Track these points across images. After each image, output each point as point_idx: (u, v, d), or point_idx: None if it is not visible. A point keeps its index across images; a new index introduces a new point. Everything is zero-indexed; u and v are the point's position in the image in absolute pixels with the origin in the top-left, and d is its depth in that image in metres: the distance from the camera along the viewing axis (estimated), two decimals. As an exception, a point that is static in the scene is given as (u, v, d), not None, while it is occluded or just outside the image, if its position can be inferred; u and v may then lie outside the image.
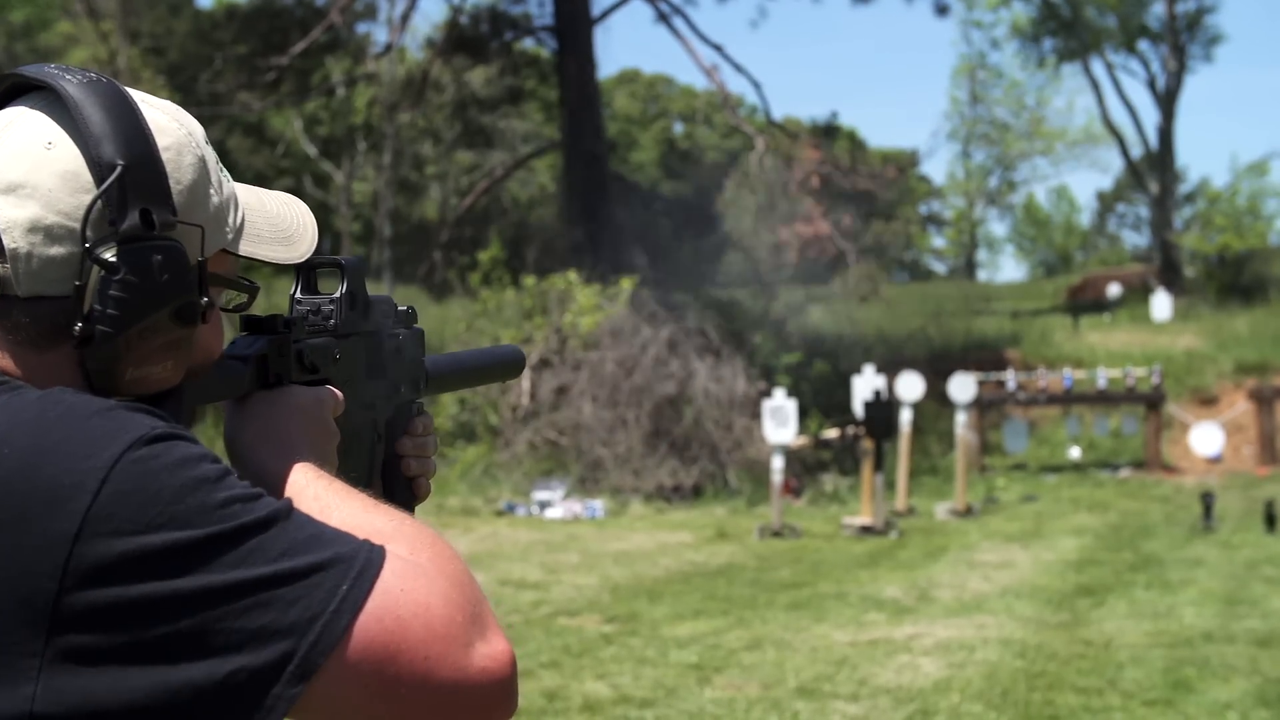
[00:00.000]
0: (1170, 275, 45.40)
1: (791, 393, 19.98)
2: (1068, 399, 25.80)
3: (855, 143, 52.16)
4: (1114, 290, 41.59)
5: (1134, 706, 8.36)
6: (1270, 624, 10.92)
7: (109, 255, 1.41)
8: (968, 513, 19.49)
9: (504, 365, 2.23)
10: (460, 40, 33.51)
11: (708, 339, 24.09)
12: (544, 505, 20.11)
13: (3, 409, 1.37)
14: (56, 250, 1.41)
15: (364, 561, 1.35)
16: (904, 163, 59.77)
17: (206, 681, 1.29)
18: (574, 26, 30.32)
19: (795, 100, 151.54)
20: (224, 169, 1.56)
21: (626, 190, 36.12)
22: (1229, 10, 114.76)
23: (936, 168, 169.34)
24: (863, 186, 34.14)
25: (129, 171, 1.41)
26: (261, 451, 1.56)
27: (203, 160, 1.50)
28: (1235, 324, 33.91)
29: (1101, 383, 25.33)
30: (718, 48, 32.83)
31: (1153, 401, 24.92)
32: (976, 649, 10.14)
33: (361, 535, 1.39)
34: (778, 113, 65.80)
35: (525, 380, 23.35)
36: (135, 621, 1.28)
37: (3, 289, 1.42)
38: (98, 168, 1.41)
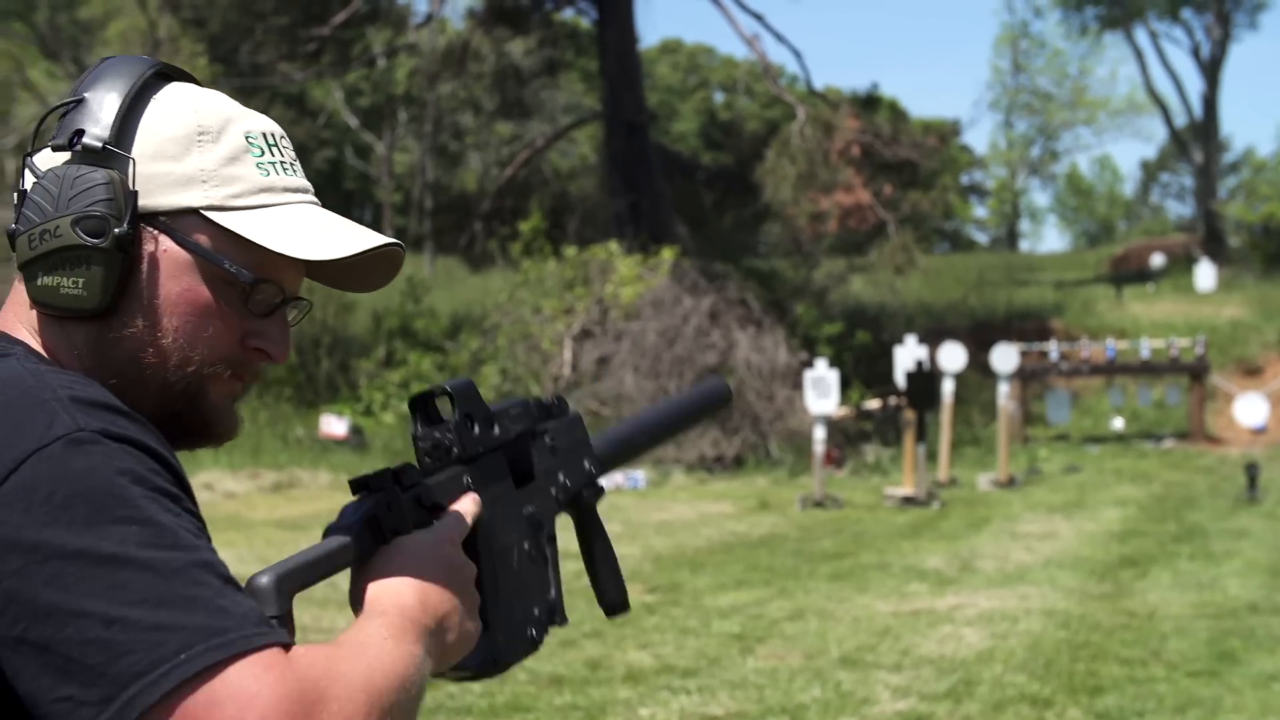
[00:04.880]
0: (1214, 245, 45.15)
1: (833, 363, 19.97)
2: (1111, 369, 25.69)
3: (896, 112, 51.90)
4: (1157, 260, 41.38)
5: (1178, 678, 8.33)
6: (1316, 595, 10.87)
7: (36, 159, 1.57)
8: (1010, 483, 19.45)
9: (701, 407, 2.10)
10: (501, 10, 33.47)
11: (749, 309, 24.08)
12: (586, 475, 20.13)
13: None
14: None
15: (227, 641, 1.31)
16: (946, 132, 59.49)
17: (43, 697, 1.30)
18: (614, -4, 30.25)
19: (836, 69, 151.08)
20: (284, 169, 1.64)
21: (667, 160, 36.05)
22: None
23: (978, 137, 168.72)
24: (904, 156, 33.97)
25: (85, 102, 1.56)
26: (370, 615, 1.50)
27: (201, 130, 1.59)
28: (1280, 294, 33.70)
29: (1145, 353, 25.20)
30: (759, 17, 32.68)
31: (1197, 372, 24.79)
32: (1019, 620, 10.12)
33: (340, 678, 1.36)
34: (819, 82, 65.62)
35: (566, 350, 23.39)
36: (6, 614, 1.31)
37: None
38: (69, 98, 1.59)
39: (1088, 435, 25.59)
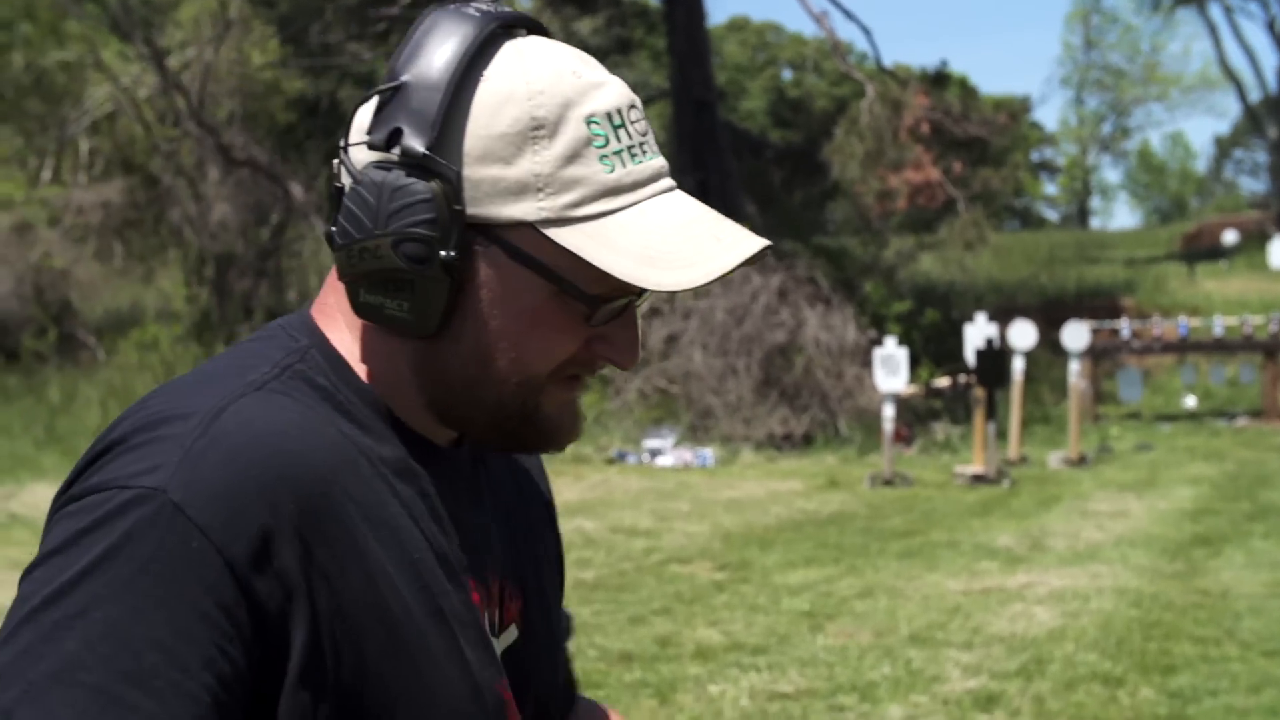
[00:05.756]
0: (1289, 222, 44.68)
1: (902, 341, 19.88)
2: (1183, 347, 25.51)
3: (966, 89, 51.61)
4: (1230, 237, 40.99)
5: (1253, 657, 8.27)
6: (1392, 574, 10.76)
7: (353, 155, 1.40)
8: (1081, 462, 19.34)
9: None
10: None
11: (818, 287, 23.99)
12: (655, 453, 20.16)
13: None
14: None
15: None
16: (1016, 109, 59.14)
17: None
18: (683, -26, 30.21)
19: (906, 46, 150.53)
20: (633, 155, 1.41)
21: (736, 138, 36.00)
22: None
23: (1049, 114, 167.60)
24: (974, 133, 33.82)
25: (405, 89, 1.37)
26: None
27: (536, 124, 1.37)
28: (1356, 271, 33.39)
29: (1218, 330, 25.00)
30: (828, -6, 32.64)
31: (1271, 349, 24.56)
32: (1091, 598, 10.07)
33: None
34: (888, 59, 65.29)
35: (636, 328, 23.41)
36: None
37: None
38: (388, 81, 1.40)
39: (1160, 413, 25.42)
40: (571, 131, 1.37)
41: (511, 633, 1.55)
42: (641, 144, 1.42)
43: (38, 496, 16.05)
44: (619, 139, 1.40)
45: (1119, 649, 8.51)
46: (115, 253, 31.40)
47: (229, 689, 1.25)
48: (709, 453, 20.25)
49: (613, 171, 1.38)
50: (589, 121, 1.38)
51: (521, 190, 1.36)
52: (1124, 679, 7.83)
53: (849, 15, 34.93)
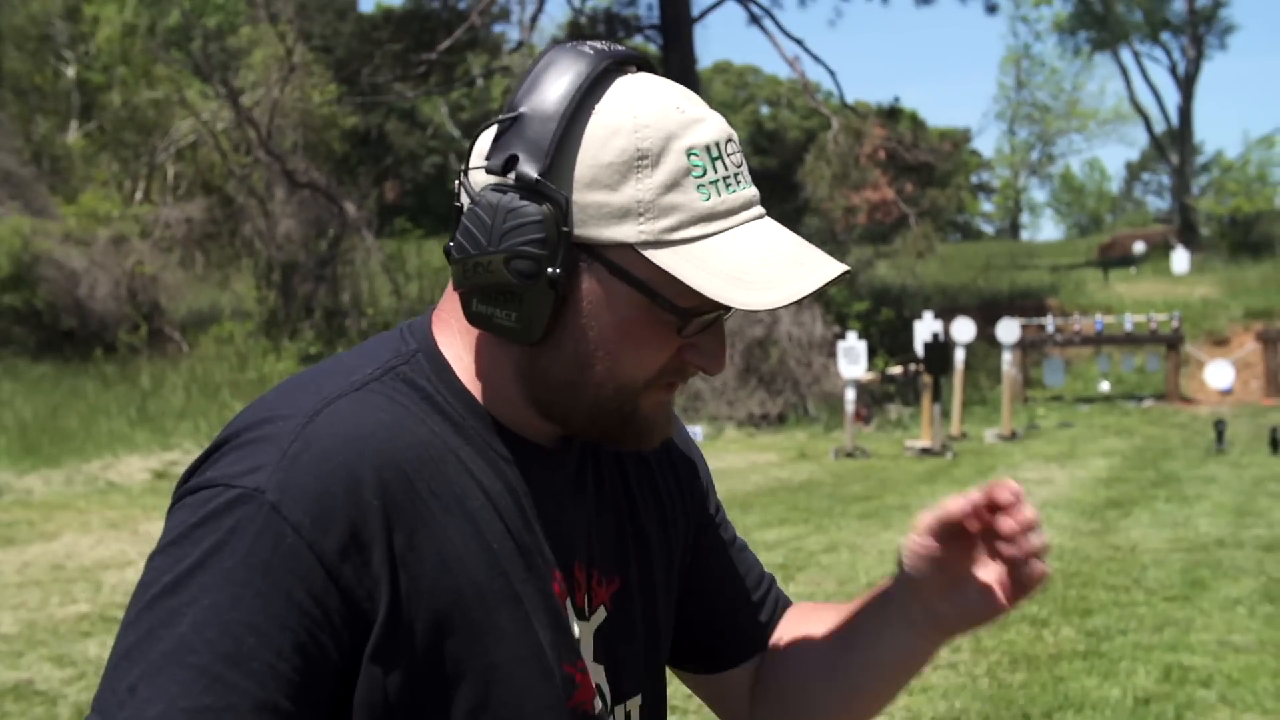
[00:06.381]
0: (1188, 234, 44.68)
1: (862, 335, 19.89)
2: (1099, 340, 25.51)
3: (916, 122, 51.49)
4: (1139, 247, 40.97)
5: (1156, 602, 8.27)
6: (1274, 532, 10.75)
7: (472, 178, 1.32)
8: (1012, 437, 19.33)
9: None
10: (580, 39, 33.33)
11: (790, 290, 23.97)
12: (652, 430, 20.12)
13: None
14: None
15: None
16: (958, 139, 58.99)
17: None
18: (676, 25, 30.15)
19: (866, 85, 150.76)
20: (728, 184, 1.33)
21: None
22: (1241, 3, 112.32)
23: (986, 143, 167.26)
24: (923, 159, 33.75)
25: (522, 119, 1.29)
26: None
27: (640, 154, 1.29)
28: (1245, 276, 33.36)
29: (1128, 326, 25.02)
30: (799, 41, 32.64)
31: (1172, 342, 24.58)
32: (1020, 552, 10.05)
33: None
34: (850, 96, 65.18)
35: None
36: None
37: None
38: (507, 112, 1.31)
39: (1079, 396, 25.40)
40: (672, 162, 1.29)
41: (601, 613, 1.46)
42: (736, 174, 1.34)
43: (131, 467, 16.05)
44: (716, 170, 1.31)
45: (1044, 595, 8.50)
46: (197, 261, 31.36)
47: (318, 670, 1.22)
48: (698, 429, 20.24)
49: (708, 199, 1.30)
50: (689, 153, 1.30)
51: (624, 214, 1.29)
52: (1049, 620, 7.83)
53: (817, 59, 34.88)
